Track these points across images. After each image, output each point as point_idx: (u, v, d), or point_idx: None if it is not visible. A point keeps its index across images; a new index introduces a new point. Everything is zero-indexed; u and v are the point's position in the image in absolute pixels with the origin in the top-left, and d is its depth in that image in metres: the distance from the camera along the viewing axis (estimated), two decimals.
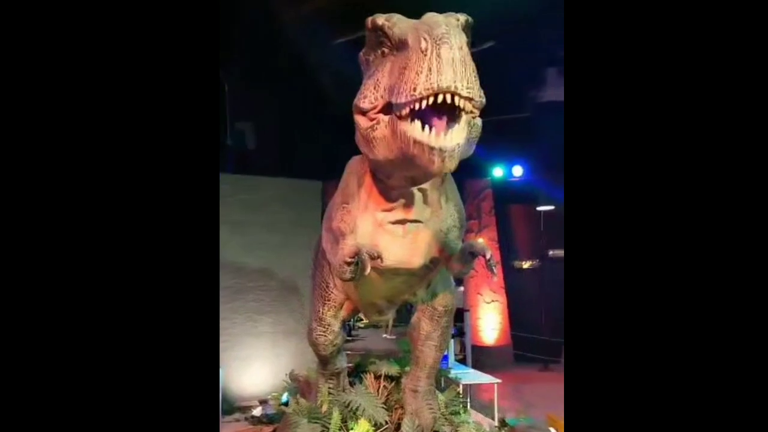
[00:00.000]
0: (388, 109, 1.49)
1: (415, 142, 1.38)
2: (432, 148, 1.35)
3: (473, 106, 1.37)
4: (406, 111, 1.36)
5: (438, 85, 1.27)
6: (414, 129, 1.38)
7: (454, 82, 1.27)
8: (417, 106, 1.32)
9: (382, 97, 1.49)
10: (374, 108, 1.53)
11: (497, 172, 8.86)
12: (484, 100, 1.42)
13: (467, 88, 1.28)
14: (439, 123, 1.42)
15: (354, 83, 1.69)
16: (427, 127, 1.38)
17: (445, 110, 1.41)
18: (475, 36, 1.51)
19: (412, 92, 1.30)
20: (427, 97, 1.29)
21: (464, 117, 1.44)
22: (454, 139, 1.36)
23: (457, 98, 1.29)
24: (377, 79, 1.52)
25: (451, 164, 1.38)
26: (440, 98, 1.28)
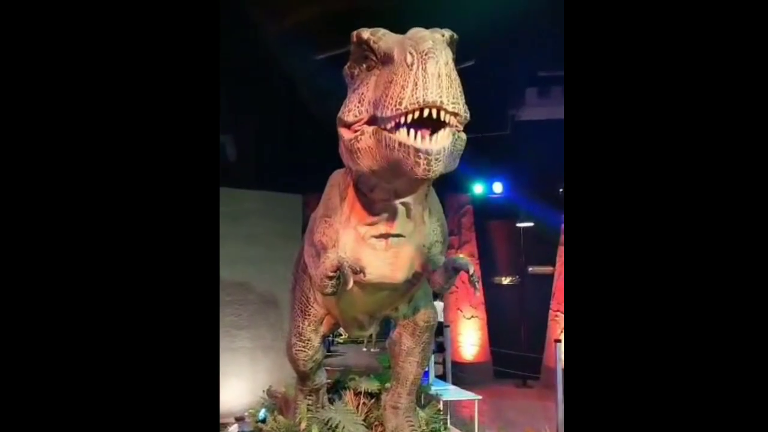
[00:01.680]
0: (372, 122, 1.48)
1: (401, 145, 1.37)
2: (417, 151, 1.35)
3: (458, 121, 1.37)
4: (391, 125, 1.36)
5: (424, 99, 1.27)
6: (399, 133, 1.38)
7: (440, 97, 1.27)
8: (402, 120, 1.31)
9: (366, 111, 1.48)
10: (359, 121, 1.52)
11: (477, 188, 8.91)
12: (468, 116, 1.42)
13: (453, 103, 1.28)
14: (424, 131, 1.42)
15: (336, 98, 1.69)
16: (412, 131, 1.38)
17: (430, 124, 1.41)
18: (456, 54, 1.52)
19: (397, 106, 1.30)
20: (413, 112, 1.29)
21: (448, 129, 1.44)
22: (439, 142, 1.36)
23: (442, 113, 1.29)
24: (362, 93, 1.52)
25: (437, 168, 1.37)
26: (426, 113, 1.28)
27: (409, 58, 1.29)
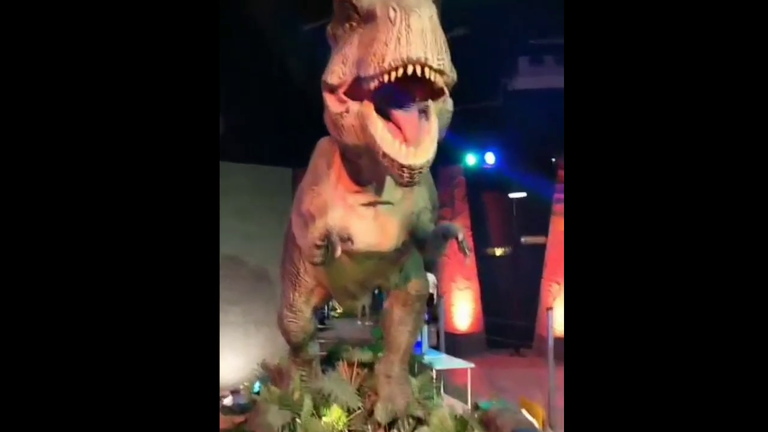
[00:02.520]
0: (357, 88, 1.44)
1: (385, 155, 1.36)
2: (402, 166, 1.34)
3: (444, 81, 1.33)
4: (374, 84, 1.32)
5: (407, 55, 1.22)
6: (384, 136, 1.36)
7: (425, 53, 1.22)
8: (386, 79, 1.27)
9: (350, 71, 1.44)
10: (343, 84, 1.48)
11: (470, 159, 8.86)
12: (455, 76, 1.38)
13: (438, 60, 1.24)
14: (408, 120, 1.40)
15: (323, 69, 1.64)
16: (397, 140, 1.36)
17: (415, 91, 1.37)
18: (446, 23, 1.48)
19: (380, 64, 1.26)
20: (396, 69, 1.24)
21: (434, 108, 1.42)
22: (424, 155, 1.35)
23: (427, 70, 1.24)
24: (345, 54, 1.47)
25: (420, 178, 1.38)
26: (410, 70, 1.24)
27: (391, 14, 1.24)
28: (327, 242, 1.72)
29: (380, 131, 1.37)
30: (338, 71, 1.49)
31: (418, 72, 1.24)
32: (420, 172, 1.35)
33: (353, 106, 1.47)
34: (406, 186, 1.44)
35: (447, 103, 1.54)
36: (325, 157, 1.93)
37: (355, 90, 1.46)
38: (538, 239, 9.23)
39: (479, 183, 9.43)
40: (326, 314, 7.57)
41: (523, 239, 9.87)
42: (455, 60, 1.38)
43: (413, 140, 1.38)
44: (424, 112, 1.45)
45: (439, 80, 1.29)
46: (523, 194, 9.44)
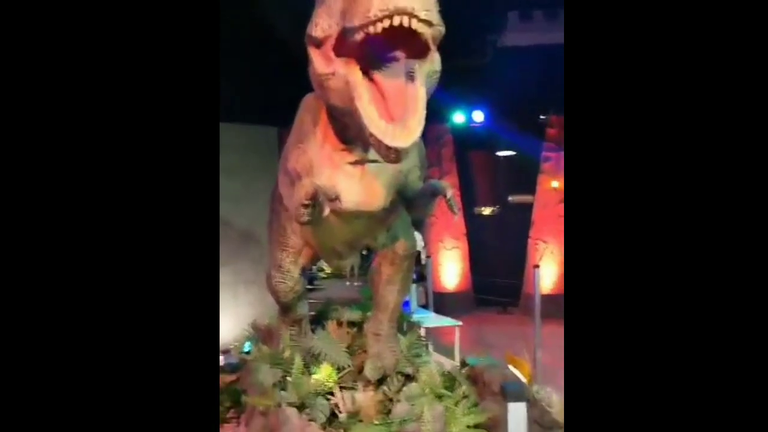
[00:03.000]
0: (342, 42, 1.39)
1: (371, 135, 1.34)
2: (388, 148, 1.33)
3: (431, 34, 1.28)
4: (360, 36, 1.27)
5: (394, 5, 1.17)
6: (371, 114, 1.34)
7: (412, 2, 1.17)
8: (372, 30, 1.22)
9: (336, 24, 1.39)
10: (328, 37, 1.43)
11: (458, 117, 8.74)
12: (443, 29, 1.34)
13: (425, 11, 1.19)
14: (394, 88, 1.38)
15: (307, 21, 1.58)
16: (383, 121, 1.34)
17: (401, 44, 1.33)
18: None
19: (366, 14, 1.21)
20: (383, 19, 1.20)
21: (420, 71, 1.40)
22: (411, 137, 1.34)
23: (414, 21, 1.20)
24: (330, 5, 1.42)
25: (406, 155, 1.38)
26: (396, 21, 1.19)
27: None
28: (314, 201, 1.70)
29: (366, 106, 1.36)
30: (323, 24, 1.44)
31: (405, 23, 1.20)
32: (406, 152, 1.36)
33: (340, 68, 1.43)
34: (391, 163, 1.45)
35: (434, 63, 1.49)
36: (310, 114, 1.88)
37: (342, 46, 1.41)
38: (525, 198, 9.26)
39: (467, 142, 9.36)
40: (315, 275, 7.60)
41: (510, 198, 9.89)
42: (442, 15, 1.34)
43: (399, 117, 1.36)
44: (410, 76, 1.41)
45: (427, 32, 1.25)
46: (511, 153, 9.41)
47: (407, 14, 1.19)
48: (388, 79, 1.40)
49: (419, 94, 1.39)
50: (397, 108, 1.38)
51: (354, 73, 1.40)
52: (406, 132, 1.34)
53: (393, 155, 1.35)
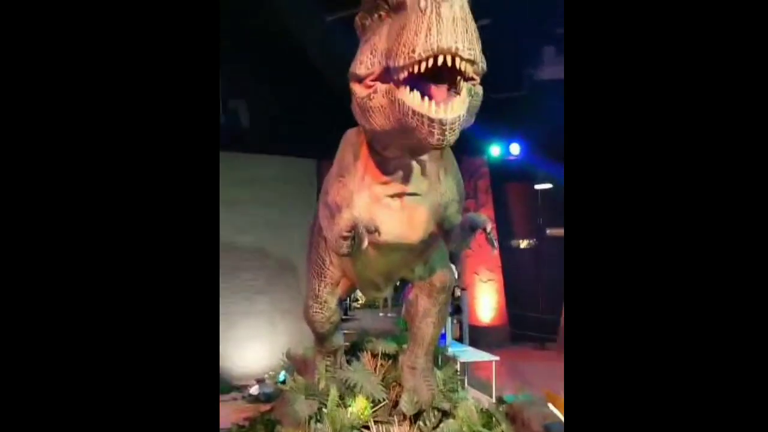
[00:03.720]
0: (385, 76, 1.43)
1: (414, 113, 1.32)
2: (432, 120, 1.30)
3: (474, 71, 1.31)
4: (404, 75, 1.30)
5: (438, 45, 1.20)
6: (413, 99, 1.32)
7: (455, 42, 1.20)
8: (416, 69, 1.25)
9: (379, 62, 1.43)
10: (371, 74, 1.47)
11: (494, 150, 8.75)
12: (485, 66, 1.36)
13: (468, 50, 1.22)
14: (439, 92, 1.36)
15: (349, 60, 1.63)
16: (426, 97, 1.32)
17: (445, 77, 1.35)
18: (472, 12, 1.45)
19: (410, 54, 1.24)
20: (427, 59, 1.22)
21: (465, 86, 1.38)
22: (455, 111, 1.31)
23: (458, 60, 1.22)
24: (374, 44, 1.46)
25: (452, 137, 1.33)
26: (440, 60, 1.22)
27: (422, 3, 1.22)
28: (354, 233, 1.72)
29: (408, 95, 1.34)
30: (366, 62, 1.48)
31: (449, 62, 1.22)
32: (451, 129, 1.31)
33: (381, 86, 1.45)
34: (436, 146, 1.38)
35: (477, 88, 1.51)
36: (351, 149, 1.92)
37: (383, 80, 1.45)
38: (563, 231, 9.10)
39: (503, 174, 9.32)
40: (349, 305, 7.62)
41: (548, 231, 9.74)
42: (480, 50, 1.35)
43: (442, 101, 1.34)
44: (453, 89, 1.41)
45: (470, 70, 1.27)
46: (548, 185, 9.30)
47: (451, 54, 1.21)
48: (432, 88, 1.39)
49: (463, 92, 1.37)
50: (439, 96, 1.36)
51: (396, 88, 1.40)
52: (449, 107, 1.31)
53: (437, 131, 1.31)
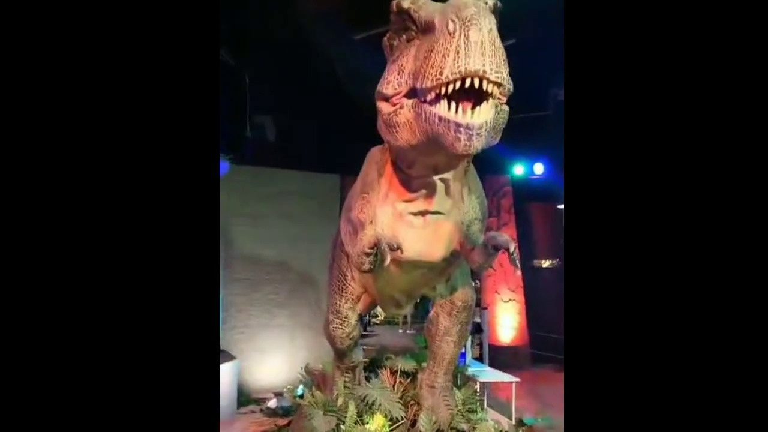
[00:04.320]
0: (412, 94, 1.44)
1: (441, 119, 1.31)
2: (458, 125, 1.29)
3: (501, 93, 1.32)
4: (431, 96, 1.31)
5: (466, 68, 1.21)
6: (440, 107, 1.32)
7: (483, 65, 1.21)
8: (443, 91, 1.27)
9: (406, 82, 1.44)
10: (398, 94, 1.48)
11: (518, 169, 8.74)
12: (511, 87, 1.37)
13: (496, 73, 1.23)
14: (466, 103, 1.35)
15: (373, 78, 1.65)
16: (453, 104, 1.32)
17: (472, 96, 1.36)
18: (499, 24, 1.47)
19: (438, 76, 1.25)
20: (454, 81, 1.24)
21: (492, 100, 1.38)
22: (481, 116, 1.29)
23: (485, 83, 1.23)
24: (401, 64, 1.48)
25: (478, 144, 1.31)
26: (468, 83, 1.23)
27: (450, 26, 1.23)
28: (376, 250, 1.73)
29: (436, 105, 1.33)
30: (393, 82, 1.49)
31: (476, 84, 1.23)
32: (478, 135, 1.30)
33: (407, 101, 1.45)
34: (462, 154, 1.37)
35: (503, 106, 1.51)
36: (376, 166, 1.94)
37: (409, 97, 1.46)
38: None
39: (527, 193, 9.27)
40: (368, 321, 7.60)
41: None
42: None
43: (469, 107, 1.32)
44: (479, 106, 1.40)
45: (497, 92, 1.27)
46: None
47: (479, 77, 1.23)
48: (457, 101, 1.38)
49: (489, 103, 1.35)
50: (466, 105, 1.33)
51: (421, 103, 1.41)
52: (476, 112, 1.30)
53: (464, 137, 1.29)
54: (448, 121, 1.30)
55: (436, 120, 1.32)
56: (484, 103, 1.31)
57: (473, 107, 1.34)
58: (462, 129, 1.29)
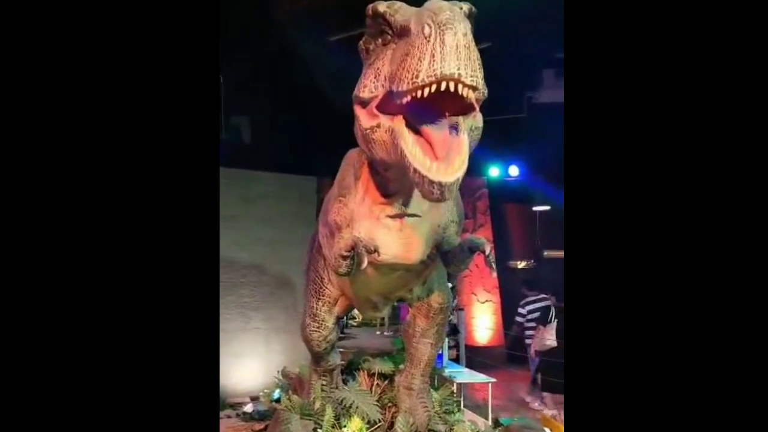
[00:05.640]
0: (389, 101, 1.44)
1: (415, 171, 1.35)
2: (432, 182, 1.33)
3: (476, 97, 1.33)
4: (407, 99, 1.32)
5: (441, 72, 1.22)
6: (415, 153, 1.36)
7: (458, 69, 1.22)
8: (419, 94, 1.27)
9: (383, 86, 1.45)
10: (374, 97, 1.49)
11: (493, 171, 8.81)
12: (486, 92, 1.38)
13: (471, 76, 1.24)
14: (439, 135, 1.40)
15: (350, 80, 1.65)
16: (428, 150, 1.36)
17: (446, 104, 1.37)
18: (475, 30, 1.48)
19: (414, 79, 1.25)
20: (430, 85, 1.24)
21: (465, 124, 1.43)
22: (455, 173, 1.34)
23: (460, 87, 1.24)
24: (378, 68, 1.48)
25: (450, 195, 1.36)
26: (443, 86, 1.24)
27: (426, 30, 1.24)
28: (353, 253, 1.73)
29: (411, 147, 1.37)
30: (370, 86, 1.50)
31: (452, 88, 1.24)
32: (450, 189, 1.34)
33: (384, 121, 1.47)
34: (435, 201, 1.43)
35: (477, 119, 1.53)
36: (352, 169, 1.94)
37: (387, 105, 1.47)
38: (560, 253, 9.10)
39: (502, 195, 9.36)
40: (345, 323, 7.57)
41: (546, 253, 9.74)
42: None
43: (443, 158, 1.37)
44: (454, 128, 1.45)
45: (472, 96, 1.28)
46: (546, 207, 9.34)
47: (454, 80, 1.23)
48: (433, 128, 1.43)
49: (463, 141, 1.41)
50: (441, 151, 1.39)
51: (399, 124, 1.43)
52: (450, 168, 1.34)
53: (437, 191, 1.34)
54: (423, 175, 1.33)
55: (412, 169, 1.36)
56: (458, 157, 1.35)
57: (450, 126, 1.37)
58: (435, 185, 1.33)
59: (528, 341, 6.50)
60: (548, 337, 5.55)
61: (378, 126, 1.49)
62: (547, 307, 6.05)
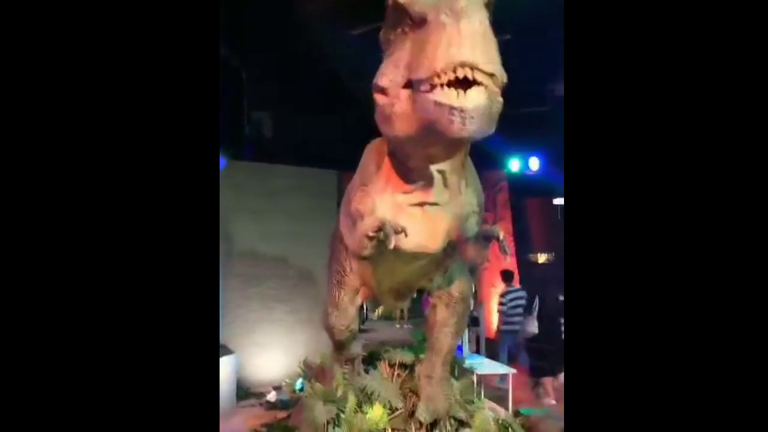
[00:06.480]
0: (407, 87, 1.47)
1: (435, 103, 1.33)
2: (452, 108, 1.29)
3: (494, 84, 1.34)
4: (426, 87, 1.34)
5: (459, 59, 1.24)
6: (434, 93, 1.33)
7: (475, 56, 1.24)
8: (437, 82, 1.30)
9: (402, 75, 1.47)
10: (394, 86, 1.51)
11: (514, 164, 8.76)
12: (505, 78, 1.39)
13: (487, 63, 1.26)
14: (460, 89, 1.37)
15: (372, 73, 1.68)
16: (446, 89, 1.32)
17: (466, 86, 1.38)
18: (493, 27, 1.49)
19: (431, 67, 1.28)
20: (447, 72, 1.26)
21: (483, 87, 1.40)
22: (475, 99, 1.30)
23: (478, 73, 1.26)
24: (397, 58, 1.51)
25: (472, 126, 1.32)
26: (461, 73, 1.26)
27: (443, 18, 1.26)
28: (378, 235, 1.75)
29: (431, 92, 1.35)
30: (389, 74, 1.52)
31: (469, 75, 1.26)
32: (472, 119, 1.30)
33: (403, 92, 1.48)
34: (456, 138, 1.37)
35: (498, 96, 1.53)
36: (374, 158, 1.97)
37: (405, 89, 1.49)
38: None
39: (523, 188, 9.29)
40: (366, 316, 7.63)
41: None
42: (503, 63, 1.39)
43: (462, 92, 1.32)
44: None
45: (489, 83, 1.30)
46: None
47: (471, 67, 1.25)
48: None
49: (481, 90, 1.34)
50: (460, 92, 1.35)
51: (416, 93, 1.43)
52: (471, 95, 1.30)
53: (458, 120, 1.30)
54: (443, 104, 1.31)
55: (431, 106, 1.34)
56: (475, 86, 1.31)
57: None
58: (456, 112, 1.30)
59: (505, 327, 6.74)
60: (531, 325, 5.93)
61: (397, 98, 1.50)
62: (531, 298, 6.22)
